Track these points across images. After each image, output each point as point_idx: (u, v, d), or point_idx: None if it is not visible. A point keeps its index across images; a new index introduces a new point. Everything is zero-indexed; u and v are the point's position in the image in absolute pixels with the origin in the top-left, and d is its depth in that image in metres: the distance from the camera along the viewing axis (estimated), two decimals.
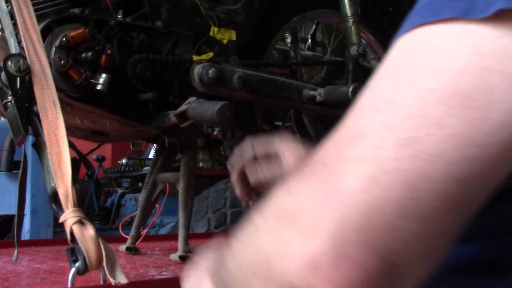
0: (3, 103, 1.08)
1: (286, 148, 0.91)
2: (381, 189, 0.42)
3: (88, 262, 0.92)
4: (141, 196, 1.67)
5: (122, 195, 5.40)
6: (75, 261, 0.93)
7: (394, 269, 0.42)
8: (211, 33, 1.54)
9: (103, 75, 1.31)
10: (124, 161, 5.72)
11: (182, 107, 1.41)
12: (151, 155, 3.11)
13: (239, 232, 0.52)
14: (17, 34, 1.07)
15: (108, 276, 0.93)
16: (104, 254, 0.93)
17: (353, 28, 1.68)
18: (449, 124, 0.42)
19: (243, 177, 0.90)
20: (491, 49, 0.42)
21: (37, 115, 0.99)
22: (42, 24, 1.24)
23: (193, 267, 0.71)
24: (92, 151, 4.92)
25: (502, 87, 0.42)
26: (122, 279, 0.93)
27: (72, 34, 1.26)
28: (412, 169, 0.42)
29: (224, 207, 3.42)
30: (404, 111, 0.43)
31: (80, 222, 0.93)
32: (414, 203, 0.42)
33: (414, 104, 0.43)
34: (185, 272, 0.79)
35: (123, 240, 1.65)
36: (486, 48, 0.42)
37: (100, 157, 5.53)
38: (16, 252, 1.21)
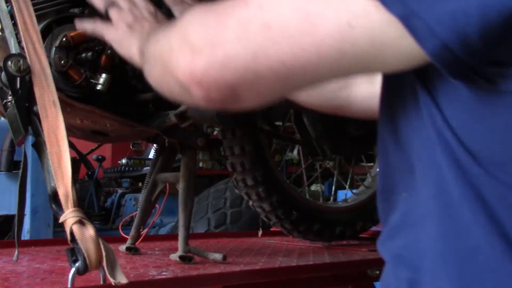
0: (3, 103, 1.08)
1: None
2: (240, 49, 0.64)
3: (88, 262, 0.92)
4: (141, 196, 1.67)
5: (122, 195, 5.40)
6: (75, 261, 0.93)
7: (236, 95, 0.68)
8: None
9: (103, 75, 1.31)
10: (124, 161, 5.72)
11: (182, 107, 1.41)
12: (151, 155, 3.11)
13: (169, 24, 0.76)
14: (17, 34, 1.07)
15: (108, 276, 0.93)
16: (104, 254, 0.93)
17: None
18: (291, 27, 0.61)
19: None
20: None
21: (37, 115, 0.99)
22: (42, 24, 1.24)
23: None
24: (92, 151, 4.91)
25: (331, 22, 0.59)
26: (122, 279, 0.93)
27: (72, 34, 1.26)
28: (262, 45, 0.63)
29: (224, 207, 3.42)
30: (275, 4, 0.63)
31: (80, 222, 0.93)
32: (256, 65, 0.64)
33: (280, 2, 0.62)
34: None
35: (123, 240, 1.65)
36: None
37: (100, 157, 5.53)
38: (16, 252, 1.22)
